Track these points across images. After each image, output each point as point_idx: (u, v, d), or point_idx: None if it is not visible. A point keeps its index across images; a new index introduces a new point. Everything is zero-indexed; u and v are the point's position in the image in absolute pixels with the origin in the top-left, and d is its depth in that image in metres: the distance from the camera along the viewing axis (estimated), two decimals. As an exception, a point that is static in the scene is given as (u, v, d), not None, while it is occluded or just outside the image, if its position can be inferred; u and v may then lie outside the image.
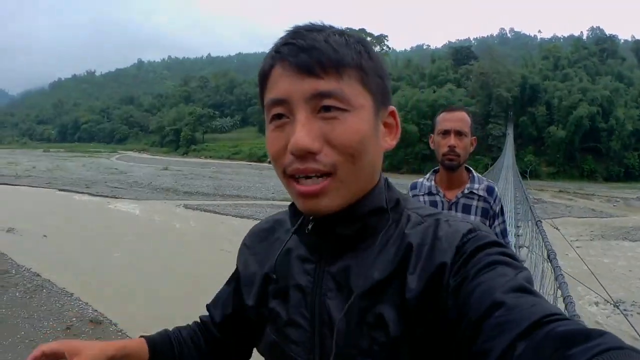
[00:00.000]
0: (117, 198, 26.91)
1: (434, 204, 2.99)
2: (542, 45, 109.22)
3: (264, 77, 0.93)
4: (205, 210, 22.71)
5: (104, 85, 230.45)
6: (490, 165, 55.51)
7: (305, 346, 0.98)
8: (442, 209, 2.90)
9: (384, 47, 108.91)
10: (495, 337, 0.70)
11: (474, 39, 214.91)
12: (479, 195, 3.02)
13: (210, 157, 78.48)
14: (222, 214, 21.86)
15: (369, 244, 0.96)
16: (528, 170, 51.83)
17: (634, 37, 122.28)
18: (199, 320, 1.26)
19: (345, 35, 0.92)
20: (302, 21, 0.94)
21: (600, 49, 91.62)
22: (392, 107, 1.00)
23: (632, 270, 14.17)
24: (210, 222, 20.27)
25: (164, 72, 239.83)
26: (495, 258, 0.83)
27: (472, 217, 2.93)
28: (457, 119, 2.98)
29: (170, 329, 1.20)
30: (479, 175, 3.12)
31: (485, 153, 62.55)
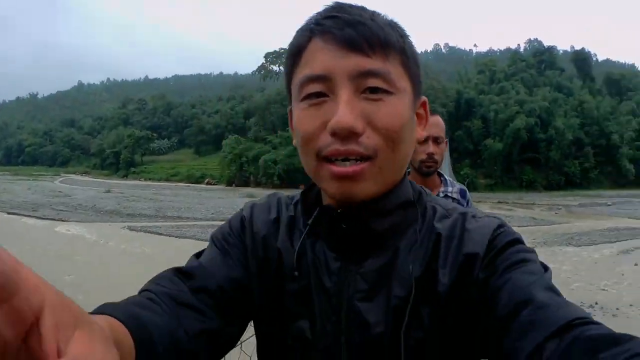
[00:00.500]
0: (63, 221, 26.35)
1: None
2: (478, 60, 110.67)
3: (298, 52, 0.88)
4: (148, 232, 22.54)
5: (46, 107, 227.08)
6: None
7: (329, 352, 0.91)
8: None
9: None
10: (525, 336, 0.70)
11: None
12: (453, 198, 3.01)
13: (150, 179, 77.77)
14: (165, 235, 21.70)
15: (398, 240, 0.93)
16: (465, 183, 51.77)
17: (573, 47, 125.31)
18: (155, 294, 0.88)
19: (388, 17, 0.89)
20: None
21: (538, 60, 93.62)
22: (424, 97, 0.98)
23: (578, 274, 14.25)
24: (155, 243, 19.99)
25: (103, 94, 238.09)
26: (523, 256, 0.84)
27: None
28: (435, 124, 2.94)
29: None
30: (449, 178, 3.14)
31: None
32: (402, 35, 0.89)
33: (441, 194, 3.01)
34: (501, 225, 0.92)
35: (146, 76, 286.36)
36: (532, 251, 0.88)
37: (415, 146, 2.15)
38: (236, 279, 0.96)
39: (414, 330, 0.86)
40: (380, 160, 0.84)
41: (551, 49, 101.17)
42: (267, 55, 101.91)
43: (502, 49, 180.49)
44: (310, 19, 0.88)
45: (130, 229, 23.73)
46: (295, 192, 1.09)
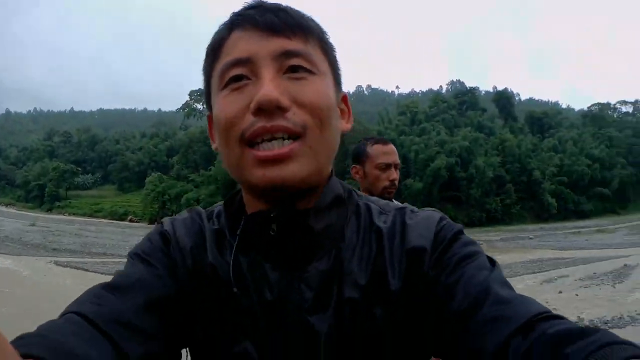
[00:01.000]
0: (-10, 253, 26.34)
1: None
2: (400, 101, 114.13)
3: (218, 46, 0.88)
4: (75, 268, 22.81)
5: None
6: None
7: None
8: None
9: None
10: (488, 333, 0.70)
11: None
12: None
13: (74, 214, 76.75)
14: (91, 271, 21.98)
15: (338, 240, 0.90)
16: None
17: (495, 87, 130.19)
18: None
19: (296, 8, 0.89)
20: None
21: (459, 101, 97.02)
22: (344, 92, 0.98)
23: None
24: (82, 279, 20.15)
25: (29, 124, 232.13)
26: (471, 249, 0.85)
27: None
28: (394, 151, 3.19)
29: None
30: (397, 202, 3.78)
31: None
32: (319, 25, 0.90)
33: None
34: (443, 218, 0.92)
35: (72, 108, 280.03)
36: (476, 243, 0.89)
37: (378, 173, 2.91)
38: (169, 294, 0.89)
39: (368, 333, 0.85)
40: (310, 139, 0.82)
41: (473, 90, 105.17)
42: (191, 93, 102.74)
43: (425, 90, 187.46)
44: (231, 16, 0.89)
45: (57, 263, 23.94)
46: (213, 206, 1.07)
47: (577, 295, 16.33)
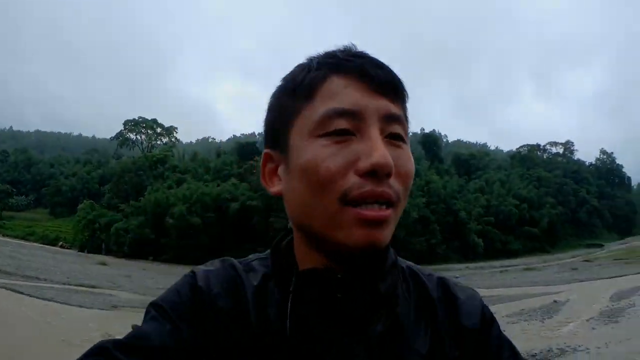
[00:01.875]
0: None
1: None
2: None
3: (311, 86, 0.82)
4: (9, 289, 22.29)
5: None
6: None
7: None
8: None
9: (173, 139, 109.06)
10: None
11: (258, 134, 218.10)
12: None
13: (7, 235, 75.16)
14: (26, 294, 21.44)
15: (394, 303, 0.89)
16: None
17: (423, 129, 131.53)
18: None
19: None
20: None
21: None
22: None
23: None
24: (15, 302, 19.73)
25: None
26: (505, 336, 0.95)
27: None
28: None
29: None
30: None
31: (267, 245, 63.31)
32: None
33: None
34: (481, 298, 0.96)
35: (11, 127, 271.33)
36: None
37: None
38: None
39: None
40: (399, 207, 0.81)
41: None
42: (126, 123, 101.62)
43: None
44: (325, 55, 0.85)
45: (-7, 284, 24.25)
46: (248, 257, 1.00)
47: (504, 331, 14.96)
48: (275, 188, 0.89)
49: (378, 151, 0.75)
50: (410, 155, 0.83)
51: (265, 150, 0.90)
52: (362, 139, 0.78)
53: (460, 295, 0.93)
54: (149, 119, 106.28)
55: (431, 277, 0.96)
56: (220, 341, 0.84)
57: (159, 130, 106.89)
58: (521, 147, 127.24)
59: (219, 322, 0.85)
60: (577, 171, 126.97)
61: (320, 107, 0.80)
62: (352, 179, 0.76)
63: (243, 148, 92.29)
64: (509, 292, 28.92)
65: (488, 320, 0.93)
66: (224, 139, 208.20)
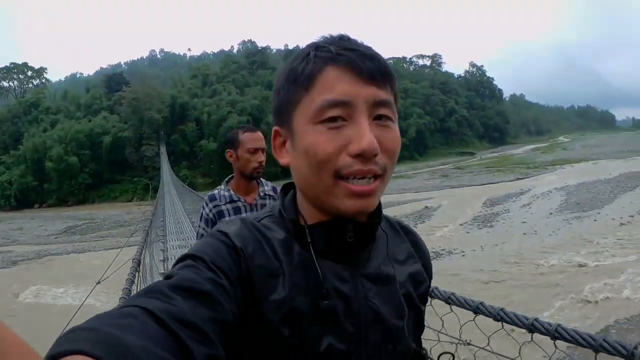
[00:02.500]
0: None
1: (237, 209, 3.55)
2: (192, 64, 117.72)
3: (310, 77, 0.94)
4: None
5: None
6: (152, 186, 61.06)
7: (353, 343, 0.99)
8: (246, 211, 3.54)
9: (43, 80, 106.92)
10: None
11: (125, 63, 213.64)
12: (270, 195, 3.66)
13: None
14: None
15: (383, 242, 1.09)
16: (186, 183, 53.69)
17: (287, 46, 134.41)
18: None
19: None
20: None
21: (250, 61, 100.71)
22: None
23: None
24: None
25: None
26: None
27: None
28: (260, 138, 3.58)
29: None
30: (262, 179, 3.74)
31: (142, 174, 68.01)
32: (392, 70, 1.00)
33: (261, 194, 3.66)
34: None
35: None
36: None
37: (248, 156, 3.48)
38: (234, 321, 0.85)
39: (410, 311, 1.08)
40: (386, 177, 0.96)
41: (264, 50, 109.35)
42: None
43: (216, 52, 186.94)
44: (319, 48, 0.96)
45: None
46: (259, 213, 1.10)
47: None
48: (284, 160, 1.03)
49: (365, 137, 0.90)
50: (397, 132, 0.97)
51: (275, 127, 1.03)
52: (352, 124, 0.91)
53: (418, 238, 1.22)
54: (20, 62, 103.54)
55: (395, 222, 1.21)
56: (259, 295, 0.93)
57: (29, 73, 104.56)
58: (388, 59, 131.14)
59: (256, 277, 0.94)
60: (446, 82, 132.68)
61: (316, 97, 0.93)
62: (345, 159, 0.91)
63: (111, 80, 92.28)
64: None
65: (429, 278, 1.21)
66: (91, 72, 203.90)
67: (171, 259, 11.17)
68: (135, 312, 0.72)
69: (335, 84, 0.92)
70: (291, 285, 0.96)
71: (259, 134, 3.62)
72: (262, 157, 3.55)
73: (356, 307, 0.99)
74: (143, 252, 7.42)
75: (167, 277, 0.85)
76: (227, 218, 3.44)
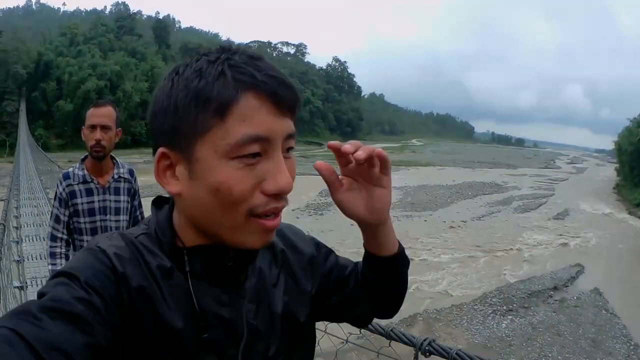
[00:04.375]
0: None
1: (89, 191, 3.47)
2: (63, 20, 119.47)
3: (225, 104, 0.85)
4: None
5: None
6: (8, 143, 66.33)
7: None
8: (98, 194, 3.49)
9: None
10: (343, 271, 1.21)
11: (1, 10, 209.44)
12: (125, 178, 3.60)
13: None
14: None
15: (256, 260, 1.08)
16: (39, 144, 59.08)
17: (158, 13, 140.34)
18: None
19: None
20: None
21: (118, 25, 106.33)
22: None
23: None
24: None
25: None
26: (329, 249, 1.27)
27: (122, 197, 3.59)
28: (103, 114, 3.41)
29: None
30: (119, 161, 3.67)
31: (0, 129, 71.10)
32: None
33: (115, 176, 3.54)
34: (311, 236, 1.28)
35: None
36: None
37: (87, 133, 3.48)
38: (108, 345, 0.83)
39: (290, 324, 1.09)
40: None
41: (134, 15, 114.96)
42: None
43: (89, 9, 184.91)
44: (238, 68, 0.87)
45: None
46: (135, 229, 1.04)
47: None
48: (173, 187, 0.93)
49: (283, 176, 0.88)
50: (295, 161, 0.96)
51: (162, 149, 0.92)
52: (267, 159, 0.88)
53: (295, 238, 1.19)
54: None
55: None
56: (136, 319, 0.89)
57: None
58: (252, 42, 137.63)
59: (134, 300, 0.90)
60: (306, 73, 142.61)
61: (234, 129, 0.85)
62: (259, 198, 0.88)
63: None
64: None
65: (318, 245, 1.23)
66: None
67: (23, 220, 11.91)
68: (9, 337, 0.71)
69: (254, 115, 0.86)
70: (171, 310, 0.93)
71: (104, 109, 3.45)
72: (99, 135, 3.37)
73: (239, 331, 0.99)
74: (7, 214, 8.32)
75: (40, 294, 0.84)
76: (78, 199, 3.44)
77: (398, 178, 51.66)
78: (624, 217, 39.07)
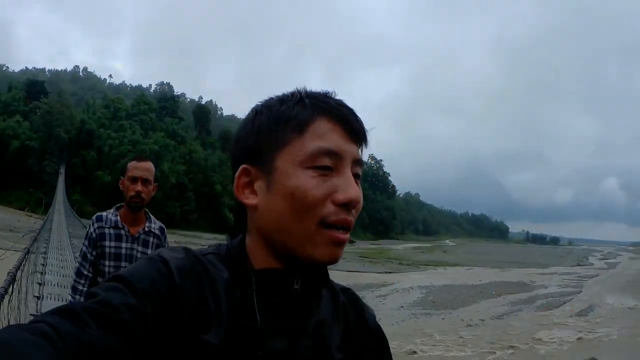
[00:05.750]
0: None
1: (119, 237, 3.57)
2: (108, 92, 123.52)
3: (303, 122, 0.97)
4: None
5: None
6: (44, 201, 67.84)
7: None
8: (126, 242, 3.58)
9: None
10: None
11: (48, 70, 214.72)
12: (155, 233, 3.70)
13: None
14: None
15: (320, 301, 1.08)
16: (75, 208, 61.67)
17: (201, 98, 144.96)
18: None
19: None
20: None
21: (161, 106, 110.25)
22: None
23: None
24: None
25: None
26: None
27: (149, 251, 3.58)
28: (145, 168, 3.60)
29: None
30: (152, 216, 3.78)
31: (39, 187, 73.64)
32: None
33: (146, 229, 3.65)
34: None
35: None
36: None
37: (128, 184, 3.65)
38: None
39: None
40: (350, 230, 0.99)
41: (177, 97, 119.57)
42: None
43: (134, 85, 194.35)
44: (314, 97, 0.99)
45: None
46: (204, 248, 1.07)
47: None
48: (250, 201, 1.00)
49: (353, 188, 0.93)
50: (361, 190, 0.99)
51: (244, 165, 1.00)
52: (339, 175, 0.94)
53: (362, 302, 1.18)
54: None
55: (336, 285, 1.17)
56: (185, 330, 0.90)
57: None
58: None
59: (187, 311, 0.91)
60: None
61: (310, 142, 0.95)
62: (330, 207, 0.93)
63: (32, 86, 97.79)
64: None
65: (379, 326, 1.19)
66: (17, 69, 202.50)
67: (48, 273, 12.07)
68: (47, 331, 0.71)
69: (328, 135, 0.95)
70: (227, 328, 0.93)
71: (146, 164, 3.63)
72: (140, 187, 3.51)
73: None
74: (23, 263, 8.03)
75: (90, 295, 0.84)
76: (107, 242, 3.53)
77: (424, 277, 51.14)
78: (651, 309, 38.12)
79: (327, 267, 1.05)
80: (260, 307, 0.97)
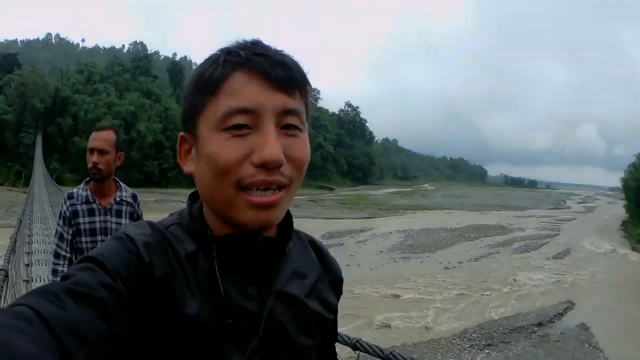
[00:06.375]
0: None
1: (91, 211, 3.57)
2: (82, 57, 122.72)
3: (216, 82, 0.92)
4: None
5: None
6: (24, 174, 68.24)
7: None
8: (99, 215, 3.59)
9: None
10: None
11: (21, 41, 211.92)
12: (127, 202, 3.69)
13: None
14: None
15: (286, 251, 1.07)
16: (54, 177, 60.49)
17: (175, 54, 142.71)
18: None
19: (295, 58, 0.98)
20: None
21: (135, 66, 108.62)
22: None
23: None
24: None
25: None
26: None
27: (124, 220, 3.65)
28: (101, 138, 3.54)
29: None
30: (124, 184, 3.77)
31: (17, 160, 73.85)
32: (306, 77, 0.99)
33: (117, 199, 3.64)
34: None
35: None
36: None
37: (87, 156, 3.65)
38: (129, 334, 0.84)
39: (317, 327, 1.10)
40: (292, 188, 0.96)
41: (151, 56, 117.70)
42: None
43: (107, 47, 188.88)
44: (230, 52, 0.94)
45: None
46: (167, 219, 1.06)
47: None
48: (188, 168, 1.00)
49: (269, 146, 0.88)
50: (306, 142, 0.97)
51: (181, 133, 1.01)
52: (257, 133, 0.90)
53: (327, 254, 1.22)
54: None
55: (304, 236, 1.20)
56: (158, 308, 0.89)
57: None
58: None
59: (157, 289, 0.90)
60: (318, 118, 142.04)
61: (222, 103, 0.91)
62: (247, 169, 0.89)
63: (5, 60, 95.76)
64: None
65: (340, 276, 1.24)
66: None
67: (35, 246, 12.44)
68: (27, 314, 0.71)
69: (242, 90, 0.91)
70: (199, 300, 0.93)
71: (102, 134, 3.56)
72: (95, 158, 3.47)
73: (262, 325, 0.98)
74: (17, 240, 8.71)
75: (65, 277, 0.84)
76: (81, 219, 3.54)
77: (402, 222, 52.70)
78: (626, 253, 39.08)
79: (291, 220, 1.07)
80: (225, 275, 0.97)
